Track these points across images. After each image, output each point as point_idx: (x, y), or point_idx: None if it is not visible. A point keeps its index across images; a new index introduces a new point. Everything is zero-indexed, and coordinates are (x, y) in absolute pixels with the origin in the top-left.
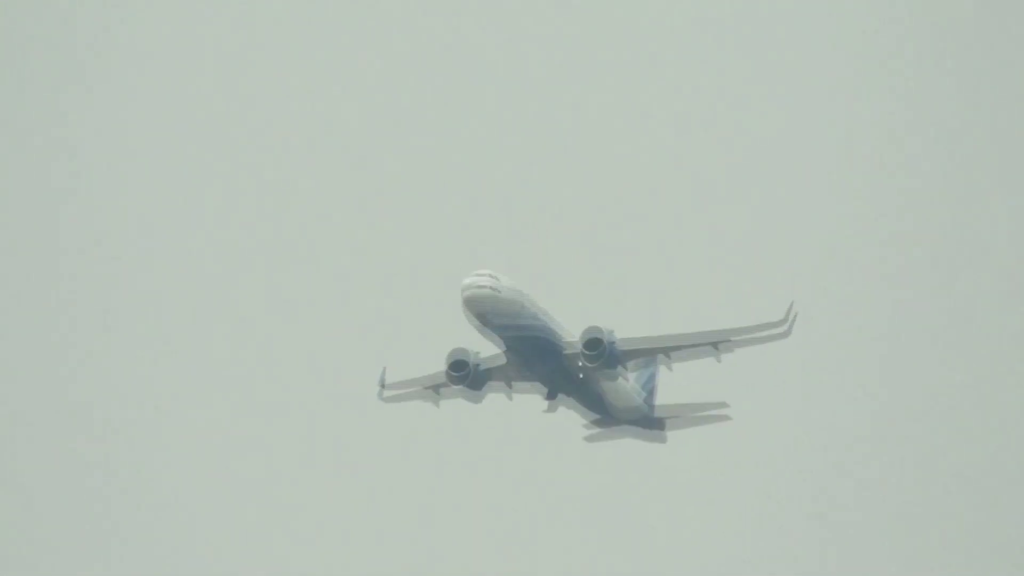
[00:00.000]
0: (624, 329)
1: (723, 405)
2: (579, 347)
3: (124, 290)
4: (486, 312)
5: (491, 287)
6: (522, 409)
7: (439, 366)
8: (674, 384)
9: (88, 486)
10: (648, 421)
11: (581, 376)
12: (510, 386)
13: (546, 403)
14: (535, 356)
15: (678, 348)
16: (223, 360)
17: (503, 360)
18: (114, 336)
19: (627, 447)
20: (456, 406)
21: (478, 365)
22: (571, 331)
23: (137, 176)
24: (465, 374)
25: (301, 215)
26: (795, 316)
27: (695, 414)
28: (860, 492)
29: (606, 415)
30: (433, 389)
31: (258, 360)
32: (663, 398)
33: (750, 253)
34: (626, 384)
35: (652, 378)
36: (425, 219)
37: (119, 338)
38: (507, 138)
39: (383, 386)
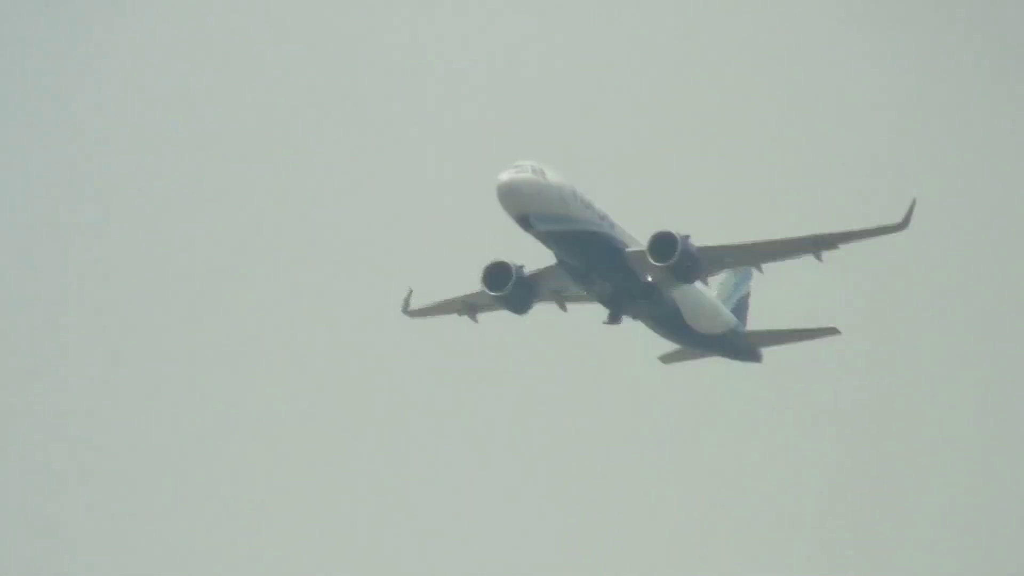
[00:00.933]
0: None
1: (833, 331)
2: (648, 248)
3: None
4: (528, 206)
5: (533, 172)
6: (579, 321)
7: (475, 284)
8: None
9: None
10: (739, 349)
11: (649, 286)
12: (563, 307)
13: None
14: (592, 261)
15: (771, 254)
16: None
17: (553, 270)
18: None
19: (714, 366)
20: (498, 319)
21: (522, 276)
22: (638, 240)
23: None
24: (506, 291)
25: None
26: (913, 207)
27: (799, 340)
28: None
29: (688, 339)
30: (469, 311)
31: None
32: (755, 320)
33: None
34: (709, 299)
35: (742, 295)
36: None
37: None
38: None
39: (406, 306)
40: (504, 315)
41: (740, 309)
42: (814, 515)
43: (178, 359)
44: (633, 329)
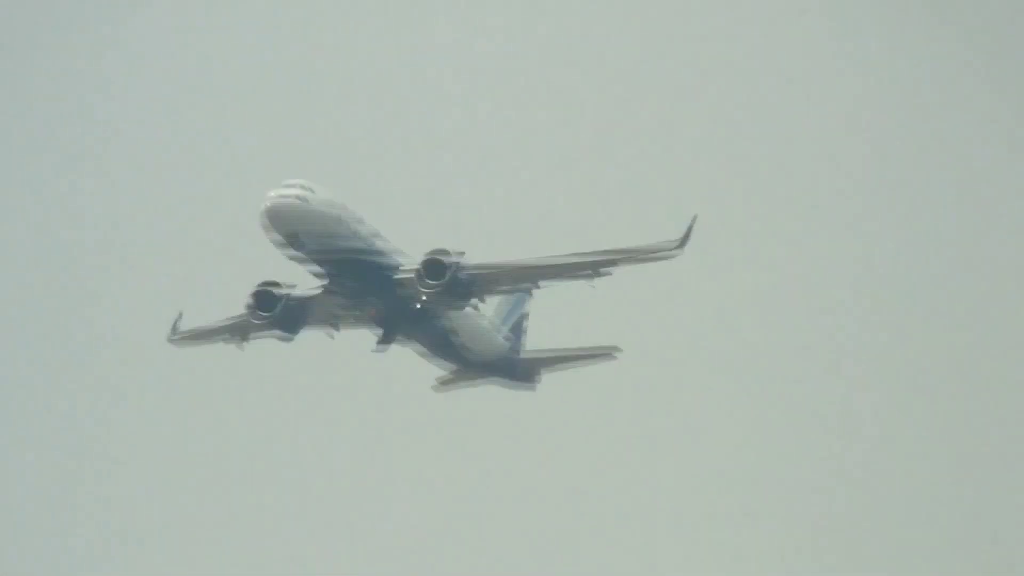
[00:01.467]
0: (478, 255)
1: (614, 350)
2: (417, 271)
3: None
4: (295, 228)
5: (298, 196)
6: (349, 345)
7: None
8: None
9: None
10: (515, 370)
11: (420, 308)
12: (336, 328)
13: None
14: (360, 284)
15: (547, 275)
16: None
17: (322, 294)
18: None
19: (488, 394)
20: (265, 346)
21: (289, 300)
22: (412, 257)
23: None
24: (274, 313)
25: None
26: (692, 225)
27: (576, 361)
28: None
29: (461, 363)
30: (239, 334)
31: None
32: (532, 339)
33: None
34: (483, 321)
35: (518, 317)
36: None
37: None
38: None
39: (175, 333)
40: (273, 341)
41: (517, 331)
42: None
43: None
44: (405, 354)
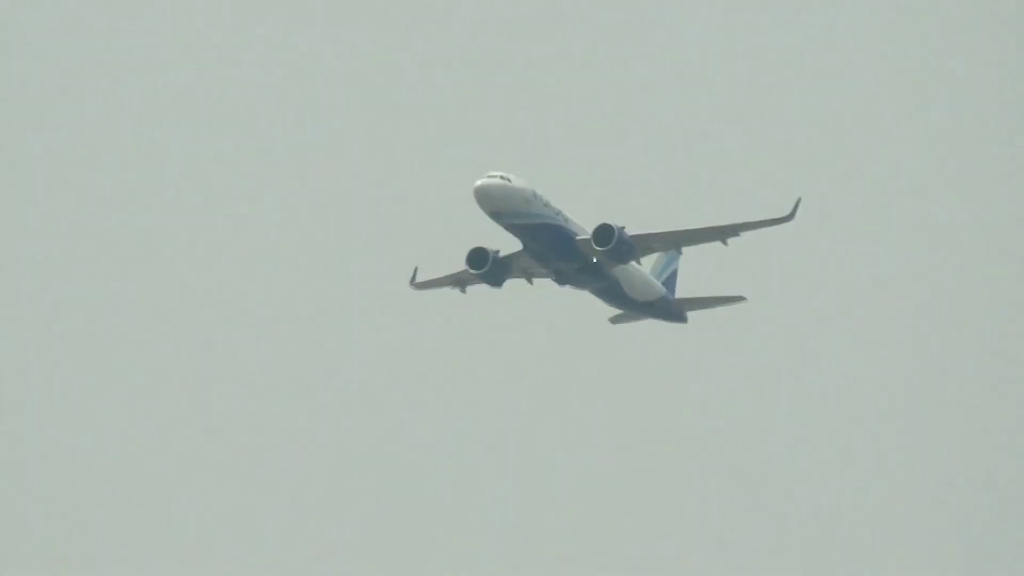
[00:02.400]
0: (637, 225)
1: (741, 299)
2: (591, 236)
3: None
4: (498, 205)
5: (501, 177)
6: (543, 293)
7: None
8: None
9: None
10: (669, 310)
11: (594, 264)
12: (530, 281)
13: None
14: (549, 246)
15: (686, 240)
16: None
17: (520, 254)
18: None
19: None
20: (480, 291)
21: (496, 258)
22: (585, 228)
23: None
24: (484, 269)
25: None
26: (799, 204)
27: (714, 304)
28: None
29: (626, 305)
30: (458, 284)
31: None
32: (682, 290)
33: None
34: (642, 274)
35: (671, 271)
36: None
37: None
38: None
39: (413, 282)
40: (484, 288)
41: (670, 282)
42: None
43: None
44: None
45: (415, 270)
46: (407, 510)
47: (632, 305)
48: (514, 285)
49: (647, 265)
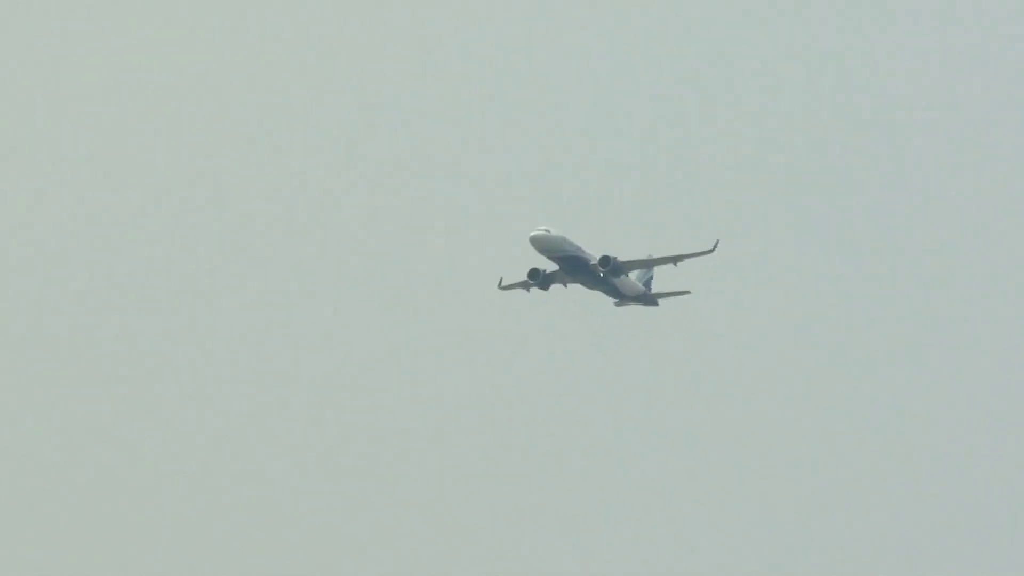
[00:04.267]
0: (625, 254)
1: (687, 292)
2: (598, 264)
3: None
4: (542, 246)
5: (544, 232)
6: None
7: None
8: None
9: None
10: (647, 300)
11: (601, 277)
12: (565, 286)
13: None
14: (574, 268)
15: (654, 262)
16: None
17: (558, 271)
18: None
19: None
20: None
21: (544, 274)
22: (595, 256)
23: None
24: (538, 281)
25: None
26: (717, 243)
27: (671, 295)
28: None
29: (621, 297)
30: (524, 287)
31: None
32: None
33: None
34: (631, 280)
35: (648, 278)
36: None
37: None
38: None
39: (500, 286)
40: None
41: (648, 283)
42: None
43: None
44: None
45: (501, 279)
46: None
47: (625, 298)
48: (557, 289)
49: (633, 275)
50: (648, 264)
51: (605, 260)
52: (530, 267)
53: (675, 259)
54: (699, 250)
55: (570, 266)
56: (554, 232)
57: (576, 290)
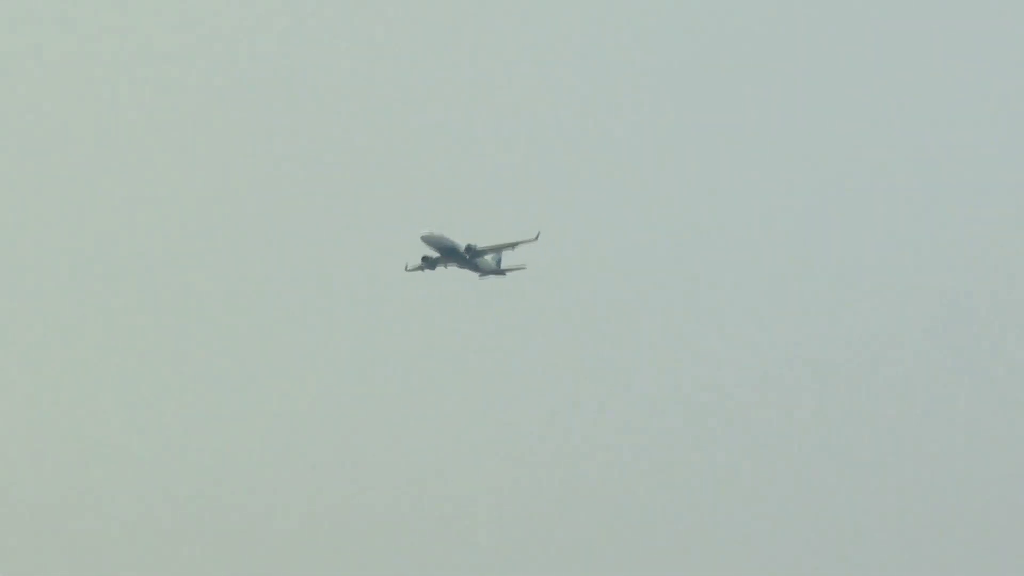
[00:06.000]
0: (484, 240)
1: (523, 266)
2: (465, 249)
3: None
4: (430, 241)
5: (431, 233)
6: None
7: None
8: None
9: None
10: (498, 273)
11: (468, 259)
12: (445, 266)
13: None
14: (451, 255)
15: (500, 248)
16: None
17: (441, 257)
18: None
19: (488, 282)
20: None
21: (434, 260)
22: (464, 243)
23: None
24: (429, 263)
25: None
26: (538, 235)
27: (516, 269)
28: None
29: (480, 272)
30: (420, 268)
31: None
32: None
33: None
34: (488, 261)
35: (500, 258)
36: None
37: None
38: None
39: (406, 268)
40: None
41: (498, 262)
42: None
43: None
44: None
45: (406, 264)
46: None
47: (484, 272)
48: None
49: (488, 257)
50: (497, 249)
51: (469, 249)
52: (422, 255)
53: (512, 245)
54: (527, 239)
55: (447, 253)
56: (436, 231)
57: (452, 269)
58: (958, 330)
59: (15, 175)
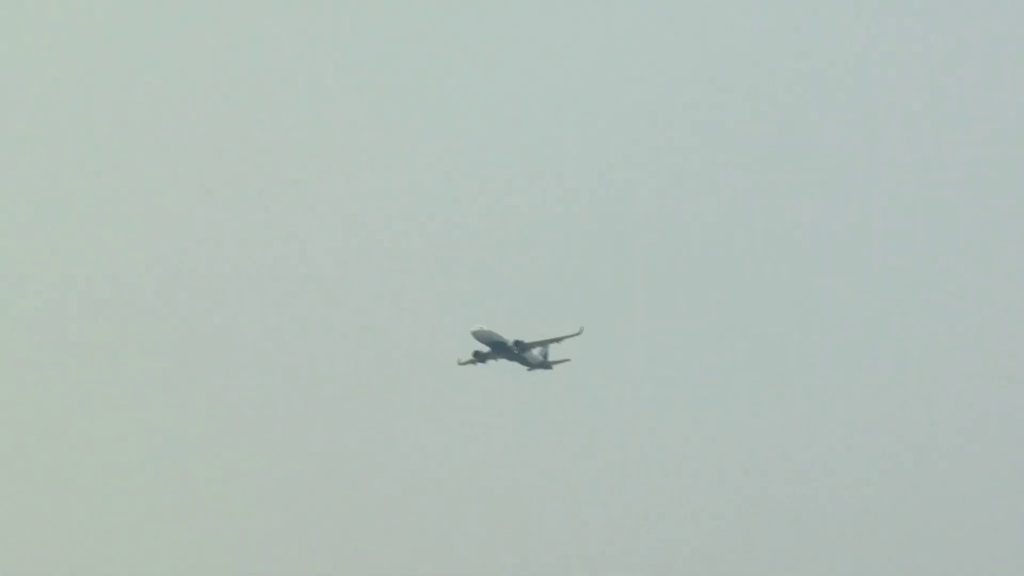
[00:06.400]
0: (530, 336)
1: (568, 360)
2: (513, 345)
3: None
4: (480, 336)
5: (480, 328)
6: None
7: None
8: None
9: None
10: (545, 367)
11: (517, 354)
12: (496, 360)
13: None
14: (500, 349)
15: (547, 343)
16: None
17: (491, 351)
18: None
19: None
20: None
21: (484, 354)
22: (512, 338)
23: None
24: (480, 358)
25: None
26: (582, 330)
27: (562, 362)
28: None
29: (530, 366)
30: (472, 362)
31: None
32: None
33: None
34: (536, 355)
35: (547, 351)
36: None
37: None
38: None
39: (459, 362)
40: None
41: (545, 355)
42: None
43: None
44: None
45: (459, 359)
46: None
47: (532, 366)
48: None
49: (535, 351)
50: (543, 343)
51: (518, 343)
52: (473, 350)
53: (558, 340)
54: (572, 333)
55: (496, 348)
56: (486, 327)
57: (502, 362)
58: None
59: (15, 175)
